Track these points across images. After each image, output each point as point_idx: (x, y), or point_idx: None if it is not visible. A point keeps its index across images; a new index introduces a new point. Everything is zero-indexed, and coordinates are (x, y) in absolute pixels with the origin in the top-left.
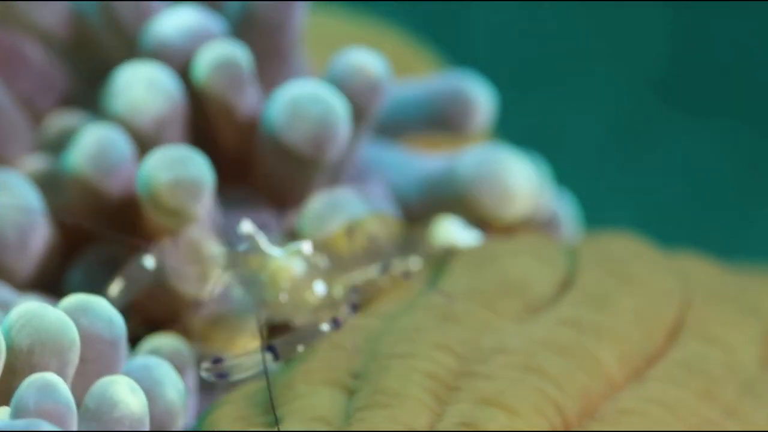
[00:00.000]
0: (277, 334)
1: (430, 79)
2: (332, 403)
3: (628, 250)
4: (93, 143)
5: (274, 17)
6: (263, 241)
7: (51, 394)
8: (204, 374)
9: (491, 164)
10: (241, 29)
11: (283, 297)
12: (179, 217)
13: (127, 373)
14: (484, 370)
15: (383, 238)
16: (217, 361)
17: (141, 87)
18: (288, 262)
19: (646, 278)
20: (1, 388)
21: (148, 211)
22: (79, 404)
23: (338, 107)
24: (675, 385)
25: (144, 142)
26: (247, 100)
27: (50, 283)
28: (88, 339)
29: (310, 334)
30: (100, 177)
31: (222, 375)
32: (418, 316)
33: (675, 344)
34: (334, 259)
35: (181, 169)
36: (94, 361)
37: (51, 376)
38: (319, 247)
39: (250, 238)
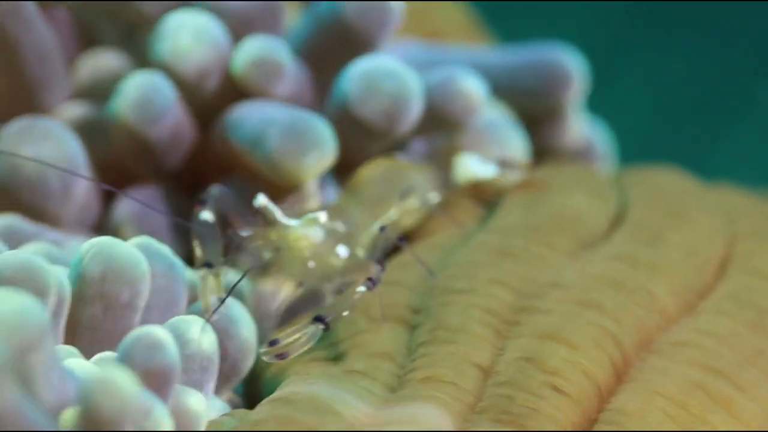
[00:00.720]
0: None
1: (519, 50)
2: (394, 338)
3: (675, 185)
4: (137, 91)
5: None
6: (279, 213)
7: (159, 353)
8: (264, 358)
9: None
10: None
11: (311, 264)
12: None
13: (200, 312)
14: (541, 305)
15: (402, 179)
16: (273, 343)
17: (188, 34)
18: (305, 230)
19: (695, 213)
20: (73, 317)
21: (257, 163)
22: None
23: (412, 83)
24: (726, 317)
25: (185, 90)
26: (284, 88)
27: (92, 229)
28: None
29: (352, 298)
30: (145, 124)
31: (281, 356)
32: (474, 251)
33: (724, 277)
34: (351, 221)
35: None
36: (155, 300)
37: (161, 333)
38: (336, 212)
39: (265, 211)
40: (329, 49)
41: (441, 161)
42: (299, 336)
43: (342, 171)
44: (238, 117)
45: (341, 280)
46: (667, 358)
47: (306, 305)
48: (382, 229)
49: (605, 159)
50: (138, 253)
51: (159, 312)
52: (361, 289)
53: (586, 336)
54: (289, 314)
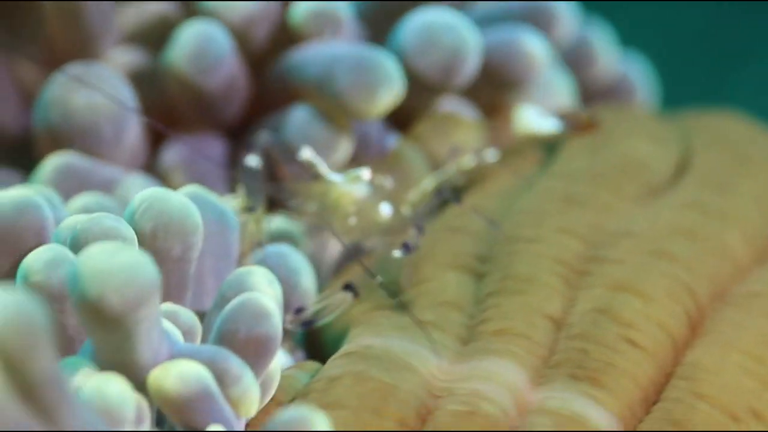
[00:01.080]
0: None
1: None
2: (460, 287)
3: (737, 131)
4: (192, 40)
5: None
6: (324, 168)
7: (264, 323)
8: (289, 326)
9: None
10: None
11: (352, 221)
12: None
13: (263, 261)
14: (612, 255)
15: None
16: (299, 311)
17: None
18: (349, 187)
19: (761, 160)
20: None
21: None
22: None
23: (470, 37)
24: None
25: (237, 39)
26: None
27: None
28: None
29: (385, 264)
30: (200, 74)
31: (307, 323)
32: (539, 198)
33: None
34: (402, 177)
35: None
36: (208, 247)
37: (267, 302)
38: (385, 167)
39: (310, 164)
40: (388, 12)
41: (499, 116)
42: (328, 302)
43: (397, 125)
44: (302, 57)
45: (383, 238)
46: (742, 310)
47: (348, 260)
48: (437, 188)
49: (643, 94)
50: (189, 204)
51: (213, 259)
52: (397, 253)
53: (660, 287)
54: (335, 268)
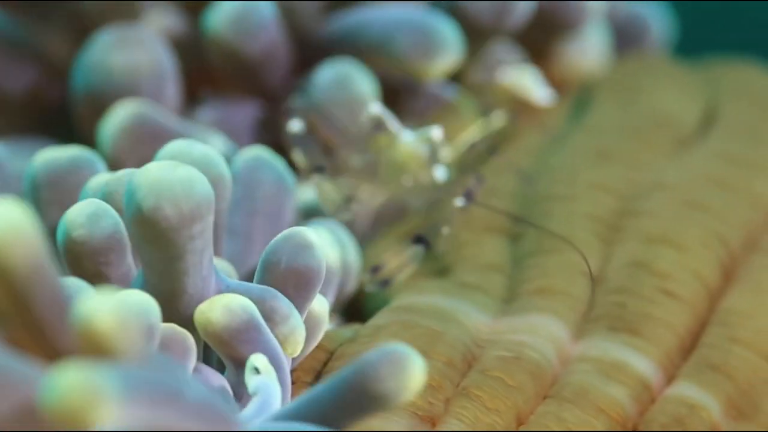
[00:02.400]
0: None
1: None
2: (499, 249)
3: (760, 81)
4: (235, 4)
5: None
6: (394, 123)
7: (305, 252)
8: (368, 287)
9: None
10: None
11: (407, 180)
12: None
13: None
14: (645, 208)
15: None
16: (375, 270)
17: None
18: (417, 145)
19: None
20: None
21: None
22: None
23: None
24: None
25: (281, 6)
26: None
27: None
28: (260, 184)
29: (449, 213)
30: (242, 40)
31: (385, 282)
32: (571, 154)
33: None
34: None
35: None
36: (261, 206)
37: (310, 235)
38: (441, 120)
39: (378, 120)
40: None
41: (546, 61)
42: (401, 259)
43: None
44: (360, 20)
45: (431, 197)
46: None
47: (390, 218)
48: (473, 146)
49: (660, 37)
50: (212, 151)
51: (264, 218)
52: (459, 202)
53: (694, 237)
54: (375, 226)
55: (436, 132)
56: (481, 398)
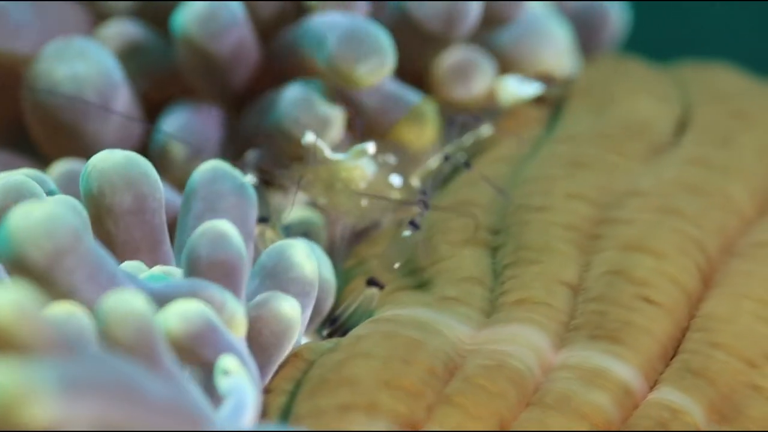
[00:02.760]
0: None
1: None
2: (478, 261)
3: (733, 84)
4: (203, 4)
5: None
6: (326, 149)
7: (223, 244)
8: (329, 338)
9: None
10: None
11: (364, 203)
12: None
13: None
14: (622, 215)
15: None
16: (333, 321)
17: None
18: (355, 163)
19: (759, 112)
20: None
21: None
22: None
23: None
24: None
25: (248, 6)
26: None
27: (132, 148)
28: (221, 196)
29: (399, 247)
30: (211, 39)
31: (345, 330)
32: (546, 164)
33: None
34: (401, 154)
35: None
36: (226, 217)
37: (224, 225)
38: (385, 146)
39: (313, 148)
40: None
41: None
42: (357, 304)
43: (401, 80)
44: (305, 25)
45: (395, 215)
46: (750, 260)
47: (366, 233)
48: (447, 157)
49: (616, 28)
50: (134, 156)
51: None
52: (406, 233)
53: (671, 243)
54: (352, 243)
55: (369, 146)
56: (463, 405)
